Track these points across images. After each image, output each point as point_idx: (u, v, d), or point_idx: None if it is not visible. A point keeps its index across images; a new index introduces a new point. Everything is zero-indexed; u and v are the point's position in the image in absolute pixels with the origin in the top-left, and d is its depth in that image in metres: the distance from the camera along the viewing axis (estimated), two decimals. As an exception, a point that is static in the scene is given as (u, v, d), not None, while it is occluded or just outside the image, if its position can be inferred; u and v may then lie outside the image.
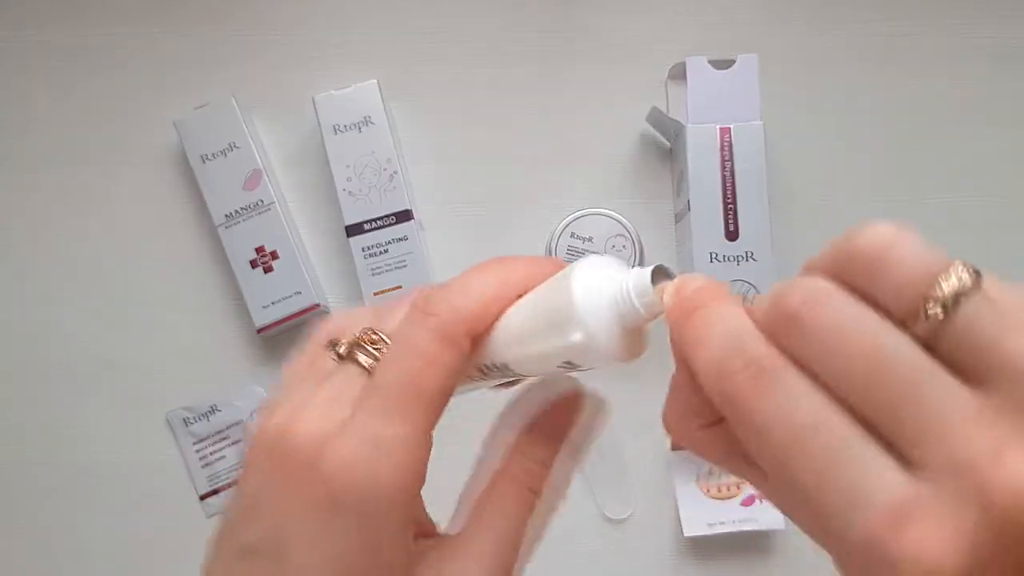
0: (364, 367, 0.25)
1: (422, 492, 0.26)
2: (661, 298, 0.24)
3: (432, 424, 0.25)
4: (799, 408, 0.19)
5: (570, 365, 0.26)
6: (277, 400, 0.26)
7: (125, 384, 0.67)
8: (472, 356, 0.26)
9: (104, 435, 0.66)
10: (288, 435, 0.24)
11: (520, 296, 0.26)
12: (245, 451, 0.26)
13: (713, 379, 0.21)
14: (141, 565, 0.66)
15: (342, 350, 0.26)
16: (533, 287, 0.26)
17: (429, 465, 0.25)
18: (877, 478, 0.18)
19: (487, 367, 0.27)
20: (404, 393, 0.24)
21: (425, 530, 0.27)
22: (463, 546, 0.26)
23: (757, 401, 0.20)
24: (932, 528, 0.17)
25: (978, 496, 0.17)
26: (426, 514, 0.28)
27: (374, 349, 0.26)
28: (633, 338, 0.25)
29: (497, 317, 0.26)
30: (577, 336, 0.24)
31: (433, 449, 0.25)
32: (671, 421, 0.25)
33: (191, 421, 0.66)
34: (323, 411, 0.24)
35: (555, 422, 0.28)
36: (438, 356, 0.24)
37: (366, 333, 0.26)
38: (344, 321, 0.28)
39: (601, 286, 0.25)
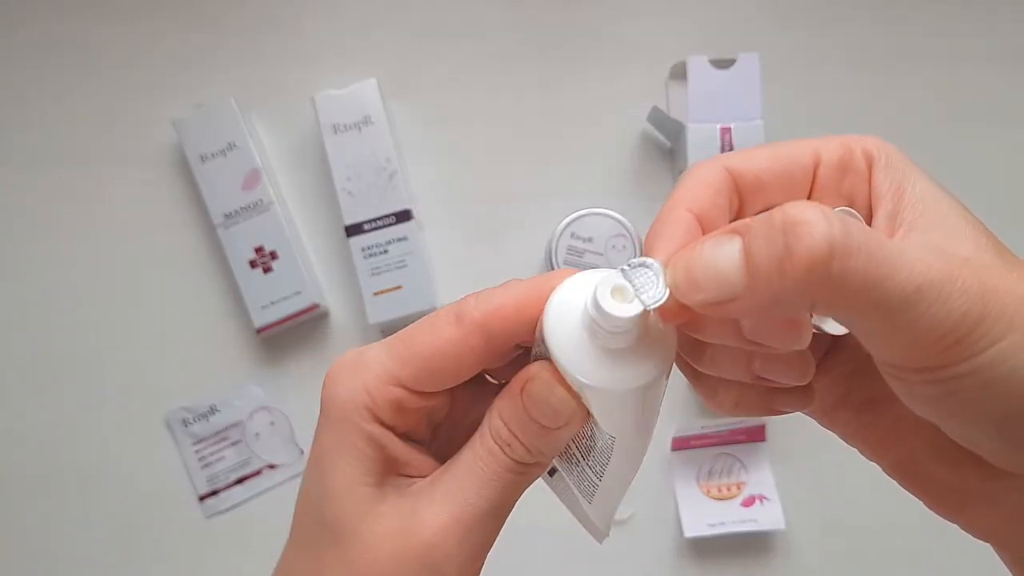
0: None
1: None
2: (648, 311, 0.23)
3: (419, 377, 0.26)
4: None
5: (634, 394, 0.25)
6: None
7: (124, 384, 0.66)
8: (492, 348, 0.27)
9: (103, 436, 0.66)
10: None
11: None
12: None
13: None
14: (140, 566, 0.65)
15: None
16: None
17: None
18: None
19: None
20: (400, 337, 0.27)
21: (408, 470, 0.28)
22: (431, 489, 0.27)
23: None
24: None
25: None
26: (419, 457, 0.28)
27: None
28: (639, 352, 0.24)
29: (512, 321, 0.26)
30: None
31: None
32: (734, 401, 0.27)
33: (190, 421, 0.66)
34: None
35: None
36: (443, 328, 0.26)
37: None
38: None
39: (570, 320, 0.25)
